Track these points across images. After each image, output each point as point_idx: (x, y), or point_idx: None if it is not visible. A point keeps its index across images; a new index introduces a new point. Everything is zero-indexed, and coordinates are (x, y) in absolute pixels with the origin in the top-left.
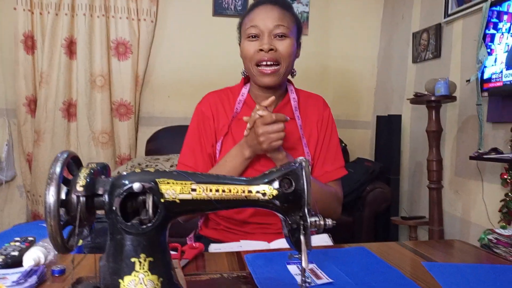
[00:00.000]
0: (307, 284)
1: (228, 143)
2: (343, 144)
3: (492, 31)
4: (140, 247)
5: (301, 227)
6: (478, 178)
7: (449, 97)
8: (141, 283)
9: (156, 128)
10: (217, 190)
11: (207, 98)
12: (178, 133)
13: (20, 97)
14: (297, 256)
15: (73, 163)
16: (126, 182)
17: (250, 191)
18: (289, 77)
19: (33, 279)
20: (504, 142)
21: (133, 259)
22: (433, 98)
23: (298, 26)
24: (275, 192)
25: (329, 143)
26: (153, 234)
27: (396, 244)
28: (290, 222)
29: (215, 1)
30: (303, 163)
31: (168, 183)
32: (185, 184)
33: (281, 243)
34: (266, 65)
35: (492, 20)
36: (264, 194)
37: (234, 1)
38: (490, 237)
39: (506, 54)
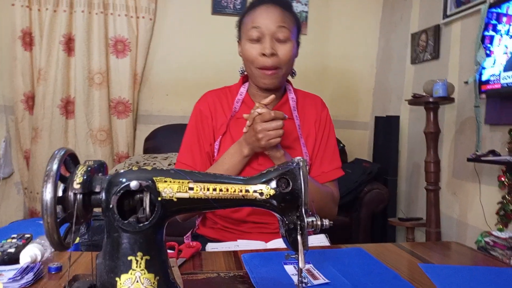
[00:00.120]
0: (304, 284)
1: (226, 142)
2: (341, 145)
3: (491, 32)
4: (137, 245)
5: (298, 227)
6: (476, 180)
7: (447, 99)
8: (137, 281)
9: (154, 126)
10: (214, 189)
11: (206, 97)
12: (176, 131)
13: (18, 93)
14: (294, 256)
15: (70, 160)
16: (123, 180)
17: (247, 191)
18: (289, 77)
19: (29, 276)
20: (502, 144)
21: (130, 257)
22: (431, 100)
23: (298, 26)
24: (272, 192)
25: (327, 144)
26: (150, 233)
27: (393, 245)
28: (287, 222)
29: (214, 0)
30: (301, 163)
31: (165, 181)
32: (183, 182)
33: (278, 243)
34: (268, 68)
35: (491, 22)
36: (261, 194)
37: (233, 0)
38: (487, 239)
39: (505, 56)
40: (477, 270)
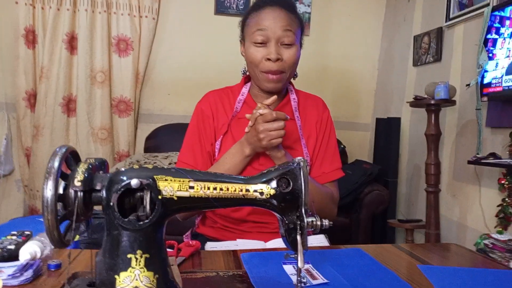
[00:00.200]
0: (303, 284)
1: (228, 142)
2: (342, 146)
3: (494, 36)
4: (137, 243)
5: (298, 227)
6: (476, 182)
7: (449, 101)
8: (136, 279)
9: (156, 125)
10: (214, 188)
11: (207, 96)
12: (178, 131)
13: (20, 91)
14: (293, 256)
15: (71, 158)
16: (124, 178)
17: (247, 190)
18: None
19: (29, 273)
20: (503, 147)
21: (129, 255)
22: (432, 102)
23: (301, 28)
24: (272, 192)
25: (327, 145)
26: (150, 231)
27: (392, 247)
28: (287, 221)
29: (217, 0)
30: (301, 163)
31: (166, 180)
32: (183, 181)
33: (277, 243)
34: (272, 73)
35: (494, 25)
36: (261, 193)
37: (236, 0)
38: (486, 241)
39: (507, 59)
40: (476, 272)
